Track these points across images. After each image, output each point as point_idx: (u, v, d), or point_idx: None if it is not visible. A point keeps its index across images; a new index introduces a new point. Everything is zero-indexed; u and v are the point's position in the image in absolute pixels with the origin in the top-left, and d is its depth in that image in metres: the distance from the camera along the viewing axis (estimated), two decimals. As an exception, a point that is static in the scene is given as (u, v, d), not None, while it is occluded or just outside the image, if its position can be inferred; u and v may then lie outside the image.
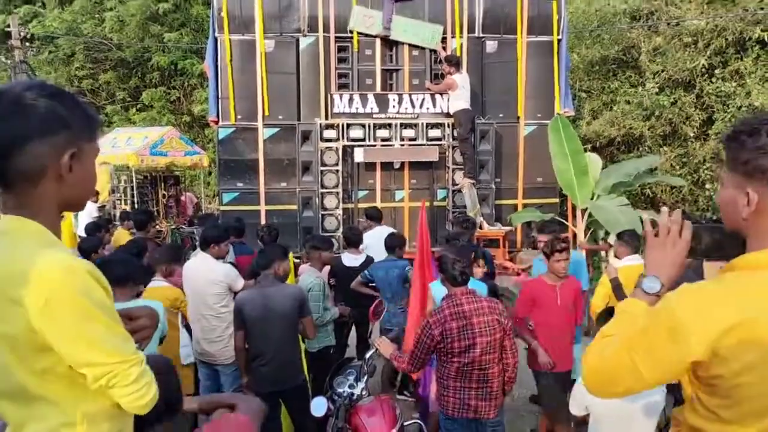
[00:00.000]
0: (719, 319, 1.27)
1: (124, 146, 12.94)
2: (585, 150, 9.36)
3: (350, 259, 5.78)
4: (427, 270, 4.61)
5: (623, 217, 6.98)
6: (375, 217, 6.99)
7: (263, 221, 8.07)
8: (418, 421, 4.25)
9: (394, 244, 5.63)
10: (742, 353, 1.26)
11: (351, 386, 4.06)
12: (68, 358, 1.34)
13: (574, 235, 8.66)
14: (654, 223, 1.62)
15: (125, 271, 3.57)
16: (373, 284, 5.47)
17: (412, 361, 3.56)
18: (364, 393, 4.01)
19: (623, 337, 1.42)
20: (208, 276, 4.54)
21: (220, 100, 8.46)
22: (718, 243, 1.52)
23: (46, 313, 1.29)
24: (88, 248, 5.68)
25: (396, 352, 3.79)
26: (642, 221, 7.61)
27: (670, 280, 1.53)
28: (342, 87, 8.58)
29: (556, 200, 9.10)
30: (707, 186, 10.65)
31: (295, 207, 8.46)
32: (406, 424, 3.98)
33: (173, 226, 11.70)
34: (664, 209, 1.61)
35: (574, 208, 8.63)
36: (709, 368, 1.30)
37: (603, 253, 8.55)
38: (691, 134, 10.98)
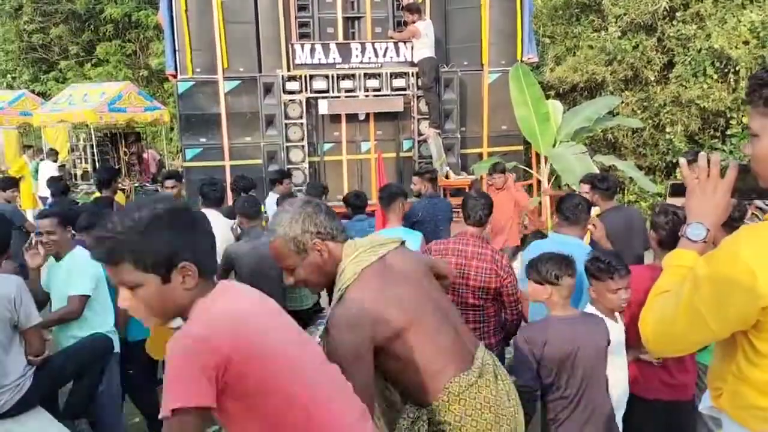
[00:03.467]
0: None
1: (81, 103, 12.52)
2: (548, 97, 9.40)
3: None
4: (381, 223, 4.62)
5: (579, 166, 7.04)
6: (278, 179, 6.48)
7: (228, 177, 7.99)
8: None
9: (361, 203, 5.34)
10: None
11: (321, 337, 4.13)
12: None
13: (539, 182, 8.79)
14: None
15: None
16: None
17: None
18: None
19: (684, 291, 1.34)
20: (226, 234, 4.57)
21: (177, 53, 8.21)
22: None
23: None
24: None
25: None
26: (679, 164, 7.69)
27: (714, 225, 1.45)
28: (303, 36, 8.39)
29: (521, 147, 9.18)
30: (667, 129, 10.82)
31: (260, 161, 8.37)
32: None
33: (137, 184, 11.50)
34: (702, 153, 1.53)
35: (537, 155, 8.73)
36: None
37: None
38: (652, 78, 11.08)
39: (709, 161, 1.48)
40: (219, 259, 4.33)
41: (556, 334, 2.66)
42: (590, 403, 2.66)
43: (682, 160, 1.60)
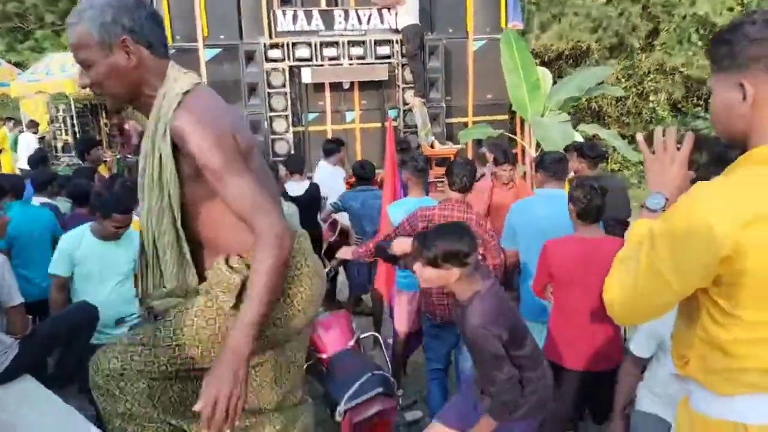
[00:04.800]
0: (741, 209, 1.21)
1: (59, 73, 12.25)
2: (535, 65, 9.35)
3: (293, 188, 5.38)
4: (391, 191, 4.58)
5: (560, 135, 6.98)
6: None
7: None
8: (375, 334, 4.42)
9: (368, 174, 5.13)
10: (766, 243, 1.21)
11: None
12: None
13: (523, 150, 8.81)
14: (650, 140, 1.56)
15: None
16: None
17: (387, 241, 3.65)
18: (320, 309, 4.12)
19: (642, 252, 1.34)
20: None
21: (156, 21, 8.03)
22: (720, 154, 1.46)
23: None
24: (45, 180, 5.31)
25: (357, 249, 3.89)
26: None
27: (674, 195, 1.48)
28: (285, 3, 8.23)
29: (506, 117, 9.16)
30: (651, 98, 10.88)
31: (243, 131, 8.26)
32: (362, 336, 4.13)
33: (118, 156, 11.33)
34: (658, 128, 1.57)
35: (523, 123, 8.72)
36: (733, 263, 1.23)
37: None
38: (637, 45, 11.09)
39: (665, 135, 1.52)
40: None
41: (504, 306, 2.41)
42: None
43: (639, 137, 1.63)
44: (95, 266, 3.60)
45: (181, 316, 1.84)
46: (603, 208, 3.04)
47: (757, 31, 1.24)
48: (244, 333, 1.61)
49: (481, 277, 2.40)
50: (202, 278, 1.89)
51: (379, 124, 8.68)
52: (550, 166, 3.76)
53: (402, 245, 3.34)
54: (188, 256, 1.83)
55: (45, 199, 4.92)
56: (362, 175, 5.11)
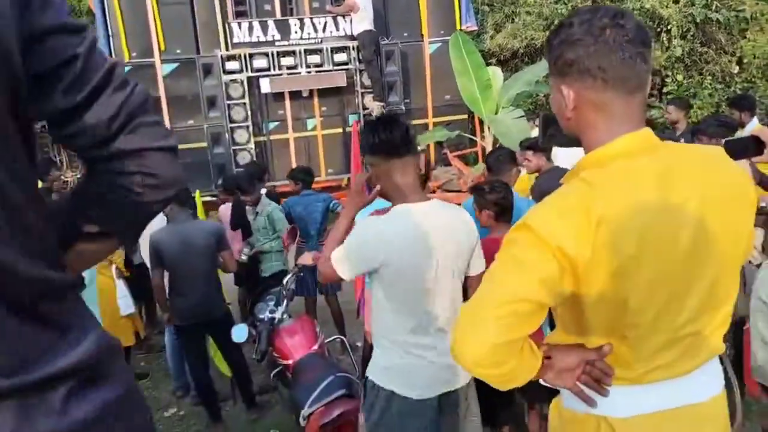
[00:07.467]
0: (581, 222, 1.17)
1: (15, 95, 12.10)
2: (490, 64, 9.53)
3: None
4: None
5: (516, 130, 7.16)
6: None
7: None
8: (340, 337, 4.48)
9: (310, 178, 5.48)
10: (610, 256, 1.17)
11: (272, 311, 4.19)
12: None
13: (483, 150, 8.96)
14: None
15: None
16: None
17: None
18: (285, 316, 4.15)
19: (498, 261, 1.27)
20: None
21: (111, 38, 8.00)
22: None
23: None
24: None
25: (317, 254, 3.95)
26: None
27: None
28: (240, 15, 8.27)
29: (465, 116, 9.30)
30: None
31: (204, 144, 8.26)
32: (327, 340, 4.18)
33: (79, 176, 11.21)
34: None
35: (481, 122, 8.87)
36: (581, 275, 1.18)
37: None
38: (590, 41, 11.35)
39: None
40: (146, 248, 4.29)
41: None
42: None
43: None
44: None
45: None
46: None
47: (572, 34, 1.24)
48: None
49: None
50: None
51: (340, 130, 8.75)
52: (491, 162, 3.88)
53: (305, 259, 3.84)
54: None
55: None
56: (306, 180, 5.40)
